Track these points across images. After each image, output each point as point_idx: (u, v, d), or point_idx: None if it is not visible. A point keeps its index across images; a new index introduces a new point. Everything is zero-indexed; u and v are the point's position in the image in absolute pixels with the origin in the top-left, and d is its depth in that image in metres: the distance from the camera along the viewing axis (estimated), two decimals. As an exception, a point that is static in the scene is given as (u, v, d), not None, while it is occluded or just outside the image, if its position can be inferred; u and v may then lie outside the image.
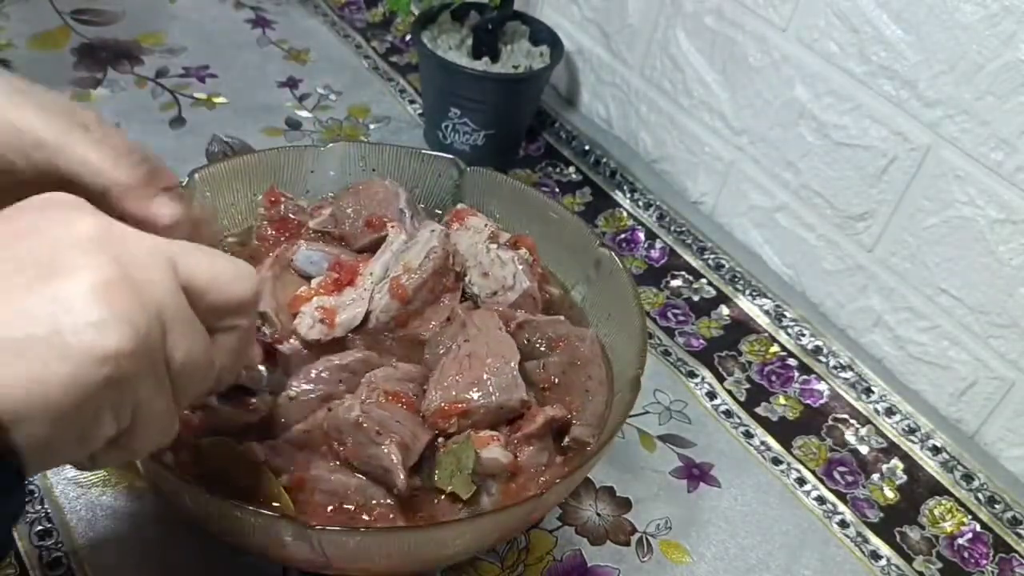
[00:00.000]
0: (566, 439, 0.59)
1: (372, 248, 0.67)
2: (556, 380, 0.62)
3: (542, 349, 0.63)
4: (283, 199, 0.70)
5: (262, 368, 0.51)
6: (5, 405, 0.29)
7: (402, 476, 0.52)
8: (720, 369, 0.77)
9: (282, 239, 0.68)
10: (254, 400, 0.53)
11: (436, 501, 0.55)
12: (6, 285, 0.30)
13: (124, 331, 0.31)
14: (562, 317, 0.66)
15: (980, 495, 0.71)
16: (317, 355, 0.59)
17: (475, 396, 0.57)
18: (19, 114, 0.46)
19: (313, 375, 0.57)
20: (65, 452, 0.33)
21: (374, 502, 0.54)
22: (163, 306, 0.33)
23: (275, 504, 0.52)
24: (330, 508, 0.54)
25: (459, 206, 0.72)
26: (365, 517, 0.54)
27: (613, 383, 0.62)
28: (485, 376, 0.57)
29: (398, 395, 0.56)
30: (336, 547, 0.49)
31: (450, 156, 0.73)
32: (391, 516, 0.54)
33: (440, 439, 0.57)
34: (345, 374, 0.58)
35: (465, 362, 0.58)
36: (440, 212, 0.74)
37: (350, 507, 0.54)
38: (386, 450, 0.53)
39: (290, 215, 0.69)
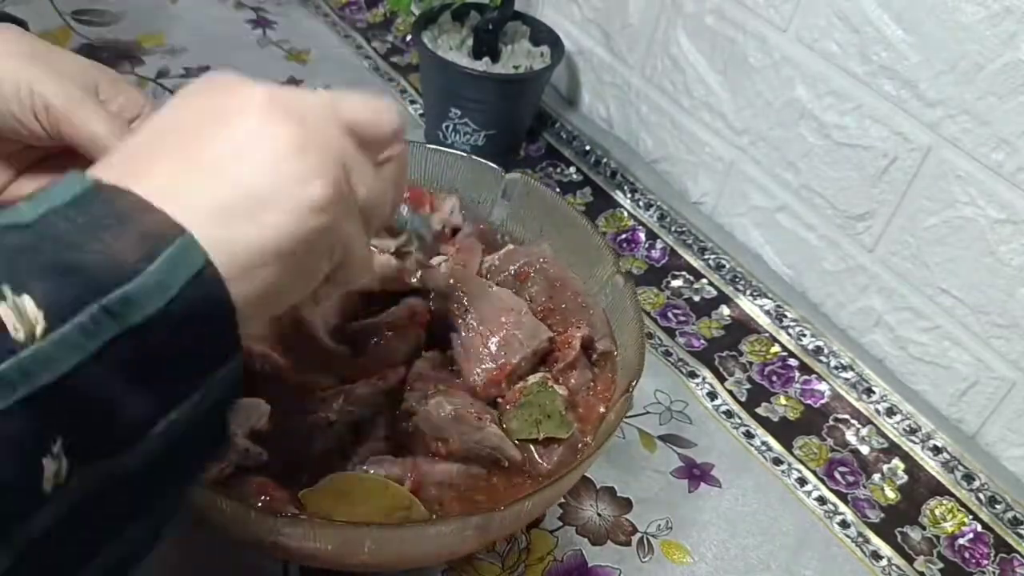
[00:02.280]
0: (593, 355, 0.63)
1: None
2: (548, 306, 0.64)
3: (514, 282, 0.66)
4: None
5: (403, 208, 0.52)
6: (250, 258, 0.33)
7: (515, 447, 0.56)
8: (721, 369, 0.77)
9: None
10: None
11: (537, 452, 0.57)
12: (215, 161, 0.34)
13: (325, 182, 0.35)
14: (511, 245, 0.69)
15: (981, 495, 0.71)
16: None
17: (512, 355, 0.59)
18: (33, 74, 0.47)
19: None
20: (295, 292, 0.37)
21: (476, 479, 0.56)
22: (342, 153, 0.37)
23: (403, 513, 0.52)
24: (442, 498, 0.55)
25: None
26: (480, 497, 0.55)
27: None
28: (509, 332, 0.60)
29: (455, 385, 0.59)
30: (512, 519, 0.51)
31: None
32: (498, 484, 0.56)
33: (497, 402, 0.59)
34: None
35: (483, 330, 0.60)
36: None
37: (457, 492, 0.55)
38: (491, 429, 0.55)
39: None
